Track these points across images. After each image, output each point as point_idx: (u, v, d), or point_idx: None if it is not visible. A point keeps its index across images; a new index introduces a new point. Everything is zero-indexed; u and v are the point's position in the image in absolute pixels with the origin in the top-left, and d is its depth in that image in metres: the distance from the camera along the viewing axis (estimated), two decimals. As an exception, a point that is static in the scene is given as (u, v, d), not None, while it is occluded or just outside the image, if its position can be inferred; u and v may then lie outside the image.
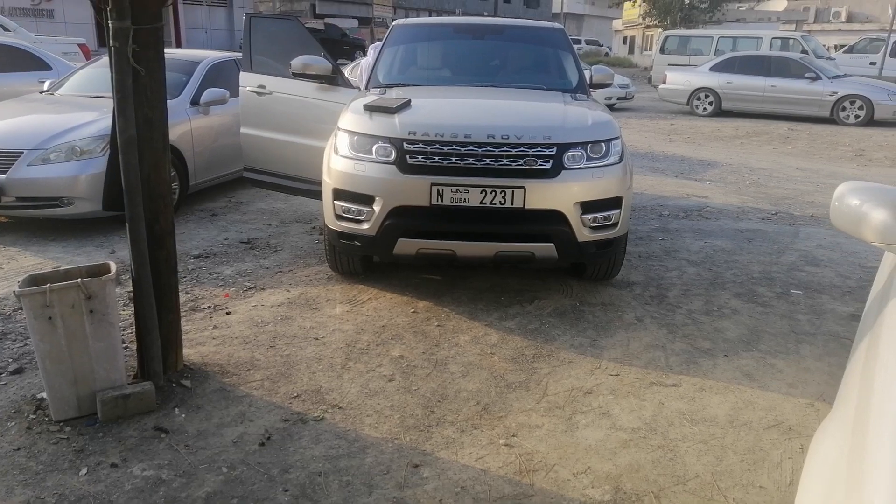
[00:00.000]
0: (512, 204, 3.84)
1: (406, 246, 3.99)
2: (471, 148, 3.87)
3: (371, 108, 4.17)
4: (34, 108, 6.34)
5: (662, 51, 19.74)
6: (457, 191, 3.83)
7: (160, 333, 3.01)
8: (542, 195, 3.88)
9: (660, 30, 33.00)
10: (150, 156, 2.76)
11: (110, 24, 2.52)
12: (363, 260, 4.60)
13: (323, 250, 4.90)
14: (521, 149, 3.89)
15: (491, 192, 3.83)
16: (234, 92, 5.80)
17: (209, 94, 6.57)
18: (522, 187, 3.83)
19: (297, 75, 5.03)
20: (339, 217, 4.12)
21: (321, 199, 4.35)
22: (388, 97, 4.44)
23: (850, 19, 41.53)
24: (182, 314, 4.00)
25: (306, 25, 5.49)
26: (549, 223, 3.93)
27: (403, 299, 4.30)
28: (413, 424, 2.92)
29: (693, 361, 3.56)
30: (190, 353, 3.46)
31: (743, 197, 7.91)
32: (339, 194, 4.09)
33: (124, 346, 3.42)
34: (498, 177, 3.86)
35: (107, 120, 5.81)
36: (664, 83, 16.61)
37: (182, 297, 4.28)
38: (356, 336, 3.73)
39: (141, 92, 2.66)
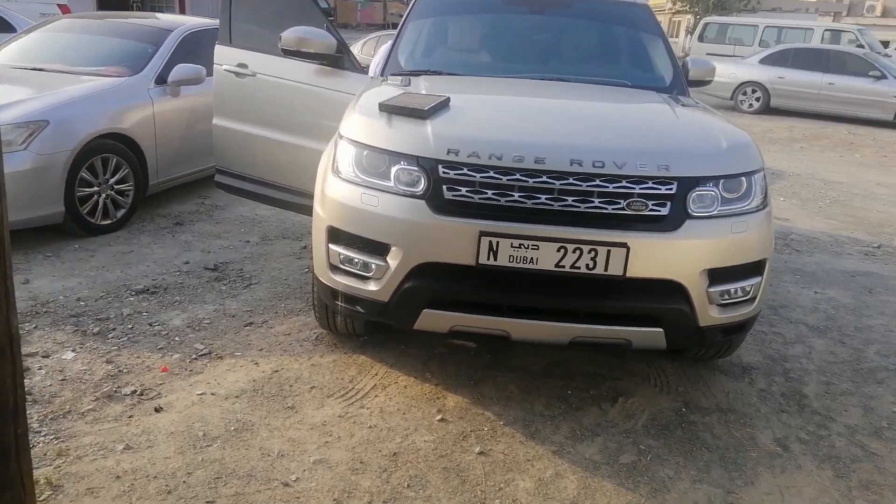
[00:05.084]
0: (605, 270, 2.44)
1: (434, 320, 2.62)
2: (544, 179, 2.47)
3: (390, 109, 2.76)
4: (-53, 78, 4.92)
5: (701, 38, 18.08)
6: (520, 245, 2.43)
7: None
8: (653, 258, 2.48)
9: (689, 16, 31.21)
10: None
11: None
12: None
13: (311, 294, 3.51)
14: (624, 184, 2.48)
15: (574, 251, 2.43)
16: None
17: (179, 70, 5.13)
18: (624, 244, 2.43)
19: (288, 53, 3.64)
20: (334, 268, 2.74)
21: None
22: (415, 92, 3.03)
23: (885, 14, 39.69)
24: (92, 402, 2.67)
25: None
26: (660, 299, 2.54)
27: (424, 390, 2.91)
28: None
29: (906, 555, 2.18)
30: (74, 509, 2.08)
31: (830, 221, 6.49)
32: (336, 236, 2.70)
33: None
34: (585, 226, 2.46)
35: (42, 101, 4.42)
36: (705, 75, 15.03)
37: (101, 368, 2.93)
38: (351, 478, 2.32)
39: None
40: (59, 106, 4.40)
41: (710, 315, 2.60)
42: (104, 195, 4.62)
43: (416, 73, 3.56)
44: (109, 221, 4.67)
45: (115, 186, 4.69)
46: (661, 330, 2.56)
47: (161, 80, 5.14)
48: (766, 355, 3.48)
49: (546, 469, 2.44)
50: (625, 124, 2.96)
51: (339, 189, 2.69)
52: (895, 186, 8.36)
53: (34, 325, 3.30)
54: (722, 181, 2.60)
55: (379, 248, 2.58)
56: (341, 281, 2.71)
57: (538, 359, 3.23)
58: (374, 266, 2.60)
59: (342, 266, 2.70)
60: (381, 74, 3.68)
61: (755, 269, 2.69)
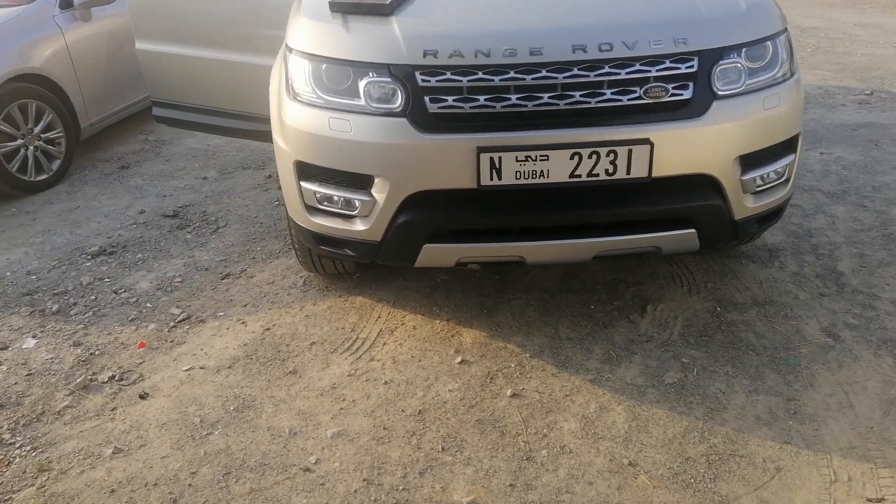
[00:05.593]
0: (628, 173, 2.11)
1: (438, 255, 2.29)
2: (544, 74, 2.07)
3: (344, 8, 2.27)
4: None
5: None
6: (526, 158, 2.07)
7: None
8: (680, 151, 2.14)
9: None
10: None
11: None
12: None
13: (289, 235, 3.12)
14: (637, 67, 2.09)
15: (590, 156, 2.08)
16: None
17: (86, -12, 4.42)
18: (646, 140, 2.08)
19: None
20: (311, 209, 2.36)
21: (269, 141, 2.56)
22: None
23: None
24: (67, 396, 2.34)
25: None
26: (691, 197, 2.22)
27: (436, 328, 2.61)
28: None
29: None
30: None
31: (816, 71, 6.16)
32: (306, 172, 2.30)
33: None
34: (599, 125, 2.10)
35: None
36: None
37: (70, 354, 2.58)
38: (378, 450, 2.05)
39: None
40: (-48, 50, 3.76)
41: (744, 206, 2.30)
42: (32, 147, 4.05)
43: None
44: (45, 176, 4.14)
45: (43, 136, 4.12)
46: (694, 230, 2.27)
47: (66, 3, 4.42)
48: (790, 232, 3.24)
49: (588, 403, 2.20)
50: None
51: (300, 115, 2.25)
52: (873, 26, 7.97)
53: (-19, 314, 2.90)
54: (744, 49, 2.22)
55: (360, 181, 2.20)
56: (322, 223, 2.34)
57: (550, 273, 2.94)
58: (357, 202, 2.22)
59: (320, 206, 2.32)
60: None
61: (789, 146, 2.37)
